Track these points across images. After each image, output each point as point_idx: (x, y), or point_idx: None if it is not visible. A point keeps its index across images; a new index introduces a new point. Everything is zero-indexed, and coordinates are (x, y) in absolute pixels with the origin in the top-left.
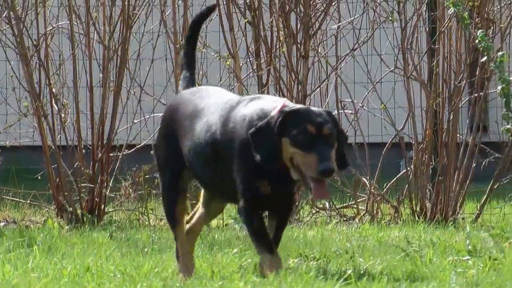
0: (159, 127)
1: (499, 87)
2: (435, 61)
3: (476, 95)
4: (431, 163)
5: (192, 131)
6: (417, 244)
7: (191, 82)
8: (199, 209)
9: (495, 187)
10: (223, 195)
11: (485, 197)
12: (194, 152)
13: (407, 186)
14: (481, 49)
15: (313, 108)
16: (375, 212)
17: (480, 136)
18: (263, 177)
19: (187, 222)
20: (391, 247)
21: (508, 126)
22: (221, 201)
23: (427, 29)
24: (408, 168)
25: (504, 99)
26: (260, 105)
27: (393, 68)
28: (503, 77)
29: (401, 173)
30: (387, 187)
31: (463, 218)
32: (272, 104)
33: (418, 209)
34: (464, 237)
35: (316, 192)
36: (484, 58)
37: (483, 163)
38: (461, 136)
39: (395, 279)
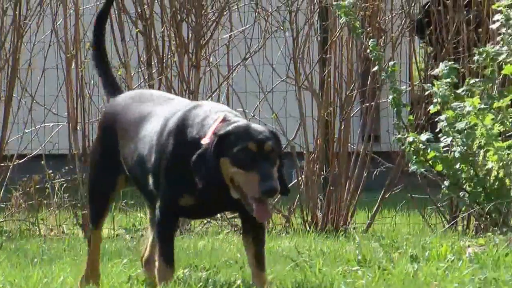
0: (96, 133)
1: (390, 97)
2: (326, 71)
3: (367, 104)
4: (322, 172)
5: (137, 136)
6: (307, 254)
7: (116, 87)
8: (149, 234)
9: (386, 196)
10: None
11: (376, 206)
12: (137, 157)
13: (298, 196)
14: (372, 58)
15: (253, 125)
16: (266, 222)
17: (372, 146)
18: (195, 194)
19: (142, 256)
20: (281, 257)
21: (399, 136)
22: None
23: (318, 39)
24: (300, 178)
25: (395, 109)
26: (198, 119)
27: (285, 77)
28: (394, 87)
29: (292, 183)
30: (278, 197)
31: (354, 228)
32: (209, 117)
33: (309, 219)
34: (354, 247)
35: (259, 213)
36: (376, 68)
37: (374, 172)
38: (352, 146)
39: None
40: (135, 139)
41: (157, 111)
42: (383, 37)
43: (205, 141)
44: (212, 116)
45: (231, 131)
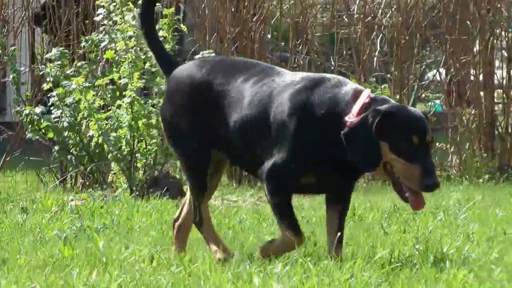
0: (173, 105)
1: (11, 76)
2: None
3: None
4: None
5: (242, 105)
6: None
7: (173, 60)
8: (186, 205)
9: (8, 159)
10: (253, 166)
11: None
12: (240, 123)
13: None
14: None
15: (411, 109)
16: None
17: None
18: (320, 164)
19: (176, 220)
20: None
21: (18, 109)
22: (249, 172)
23: None
24: None
25: (15, 86)
26: (340, 91)
27: None
28: (14, 68)
29: None
30: None
31: None
32: (352, 91)
33: None
34: None
35: (415, 203)
36: None
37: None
38: None
39: None
40: (240, 108)
41: (267, 81)
42: (6, 27)
43: (350, 117)
44: (348, 90)
45: (393, 113)
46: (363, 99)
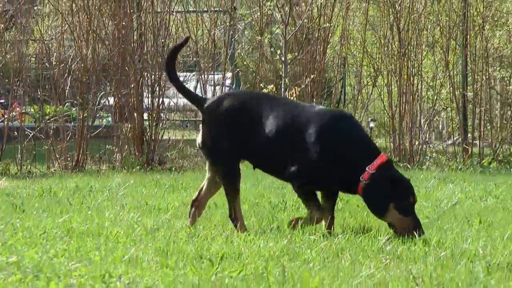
0: (213, 127)
1: None
2: None
3: None
4: None
5: (273, 128)
6: None
7: (200, 96)
8: (203, 190)
9: None
10: (280, 172)
11: None
12: (270, 138)
13: None
14: None
15: (406, 178)
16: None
17: None
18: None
19: (194, 201)
20: None
21: None
22: (273, 175)
23: None
24: None
25: None
26: (367, 144)
27: None
28: None
29: None
30: None
31: None
32: (371, 149)
33: None
34: None
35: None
36: None
37: None
38: None
39: None
40: (271, 131)
41: (295, 111)
42: None
43: (371, 167)
44: (371, 149)
45: (399, 183)
46: (379, 159)
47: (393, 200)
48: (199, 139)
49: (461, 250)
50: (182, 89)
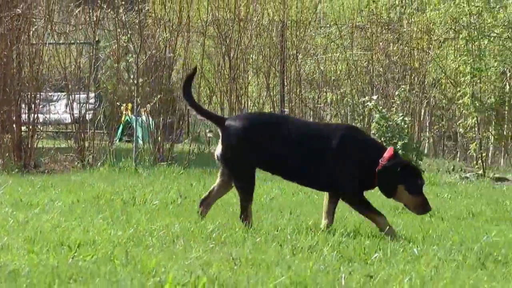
0: (237, 145)
1: None
2: None
3: None
4: None
5: (294, 145)
6: None
7: (220, 116)
8: (214, 190)
9: None
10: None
11: None
12: (291, 154)
13: None
14: None
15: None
16: None
17: None
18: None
19: (204, 200)
20: None
21: None
22: (293, 181)
23: None
24: None
25: None
26: (376, 143)
27: None
28: None
29: None
30: None
31: None
32: (380, 145)
33: None
34: None
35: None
36: None
37: None
38: None
39: None
40: (291, 146)
41: (314, 127)
42: None
43: (383, 160)
44: (380, 145)
45: (408, 167)
46: (388, 151)
47: (402, 182)
48: (218, 151)
49: (273, 236)
50: (202, 111)
